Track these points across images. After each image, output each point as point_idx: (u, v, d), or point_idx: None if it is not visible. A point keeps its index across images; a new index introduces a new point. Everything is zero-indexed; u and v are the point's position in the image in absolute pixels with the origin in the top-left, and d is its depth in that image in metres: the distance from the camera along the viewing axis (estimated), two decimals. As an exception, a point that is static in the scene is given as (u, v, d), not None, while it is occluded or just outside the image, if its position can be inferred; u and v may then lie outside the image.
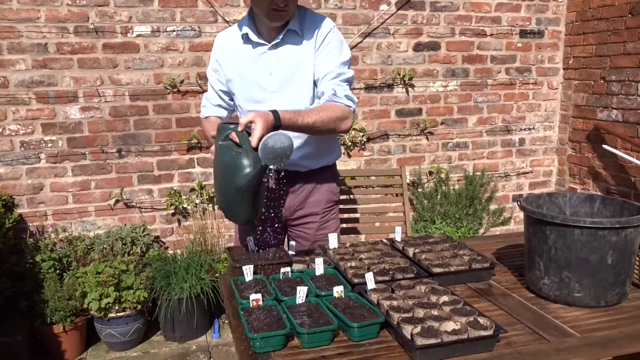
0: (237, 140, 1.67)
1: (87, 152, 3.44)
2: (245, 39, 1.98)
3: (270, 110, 1.70)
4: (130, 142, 3.50)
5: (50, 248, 3.28)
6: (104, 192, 3.51)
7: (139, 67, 3.44)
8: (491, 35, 4.07)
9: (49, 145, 3.36)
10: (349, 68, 1.99)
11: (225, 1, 3.49)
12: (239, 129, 1.66)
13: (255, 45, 1.97)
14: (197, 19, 3.48)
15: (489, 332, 1.34)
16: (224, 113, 2.15)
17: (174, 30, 3.45)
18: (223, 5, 3.49)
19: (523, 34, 4.14)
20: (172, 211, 3.66)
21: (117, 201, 3.53)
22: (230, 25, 3.49)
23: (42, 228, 3.42)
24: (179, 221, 3.70)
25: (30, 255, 3.22)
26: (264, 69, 1.97)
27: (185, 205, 3.62)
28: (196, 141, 3.58)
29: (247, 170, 1.63)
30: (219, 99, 2.12)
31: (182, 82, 3.50)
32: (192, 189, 3.66)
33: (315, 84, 1.97)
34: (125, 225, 3.54)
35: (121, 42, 3.38)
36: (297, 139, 1.96)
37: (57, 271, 3.19)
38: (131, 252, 3.40)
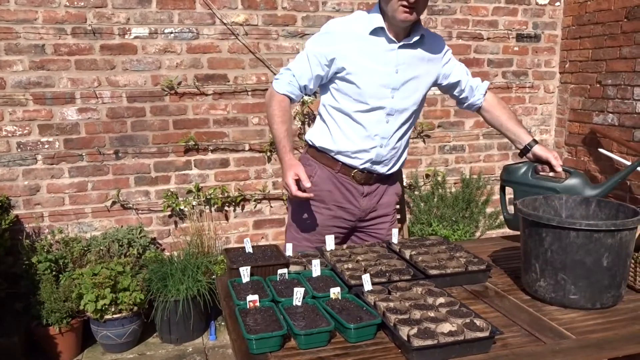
0: (549, 173, 2.05)
1: (84, 154, 3.44)
2: (375, 33, 1.99)
3: (532, 141, 2.08)
4: (127, 144, 3.50)
5: (47, 249, 3.27)
6: (100, 193, 3.51)
7: (137, 69, 3.44)
8: (488, 39, 4.09)
9: (46, 146, 3.36)
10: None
11: (223, 3, 3.50)
12: (558, 162, 2.01)
13: (389, 41, 2.00)
14: (195, 21, 3.48)
15: (485, 334, 1.35)
16: (297, 97, 2.09)
17: (171, 32, 3.46)
18: (221, 8, 3.50)
19: (520, 37, 4.16)
20: (169, 213, 3.66)
21: (113, 203, 3.53)
22: (228, 29, 3.51)
23: (39, 229, 3.41)
24: (175, 223, 3.70)
25: (27, 256, 3.21)
26: (391, 66, 2.02)
27: (182, 207, 3.62)
28: (193, 143, 3.58)
29: (589, 187, 2.00)
30: (308, 81, 2.05)
31: (179, 84, 3.50)
32: (189, 191, 3.66)
33: (428, 87, 2.16)
34: (121, 226, 3.54)
35: (119, 44, 3.38)
36: (397, 143, 2.14)
37: (53, 273, 3.19)
38: (128, 254, 3.40)
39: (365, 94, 2.02)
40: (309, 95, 2.07)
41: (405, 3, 1.87)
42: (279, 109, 2.03)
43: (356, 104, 2.04)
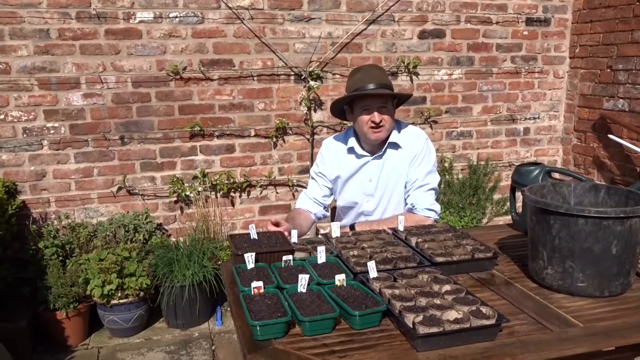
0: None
1: (89, 139, 3.43)
2: (350, 150, 2.34)
3: None
4: (132, 129, 3.49)
5: (53, 235, 3.28)
6: (106, 179, 3.51)
7: (142, 54, 3.41)
8: (497, 23, 4.03)
9: (52, 131, 3.36)
10: (434, 173, 2.34)
11: (228, -13, 3.46)
12: None
13: (359, 156, 2.33)
14: (200, 5, 3.44)
15: (492, 322, 1.33)
16: (315, 208, 2.42)
17: (176, 17, 3.42)
18: (226, -9, 3.46)
19: (529, 21, 4.10)
20: (175, 199, 3.66)
21: (119, 188, 3.53)
22: (234, 13, 3.47)
23: (45, 215, 3.42)
24: (181, 209, 3.70)
25: (33, 241, 3.23)
26: (365, 176, 2.34)
27: (187, 193, 3.61)
28: (199, 128, 3.56)
29: None
30: (320, 193, 2.43)
31: (184, 69, 3.48)
32: (195, 177, 3.65)
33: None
34: (127, 212, 3.54)
35: (123, 28, 3.35)
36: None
37: (60, 258, 3.20)
38: (134, 239, 3.40)
39: (343, 199, 2.42)
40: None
41: (372, 125, 2.18)
42: (294, 214, 2.40)
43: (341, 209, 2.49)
